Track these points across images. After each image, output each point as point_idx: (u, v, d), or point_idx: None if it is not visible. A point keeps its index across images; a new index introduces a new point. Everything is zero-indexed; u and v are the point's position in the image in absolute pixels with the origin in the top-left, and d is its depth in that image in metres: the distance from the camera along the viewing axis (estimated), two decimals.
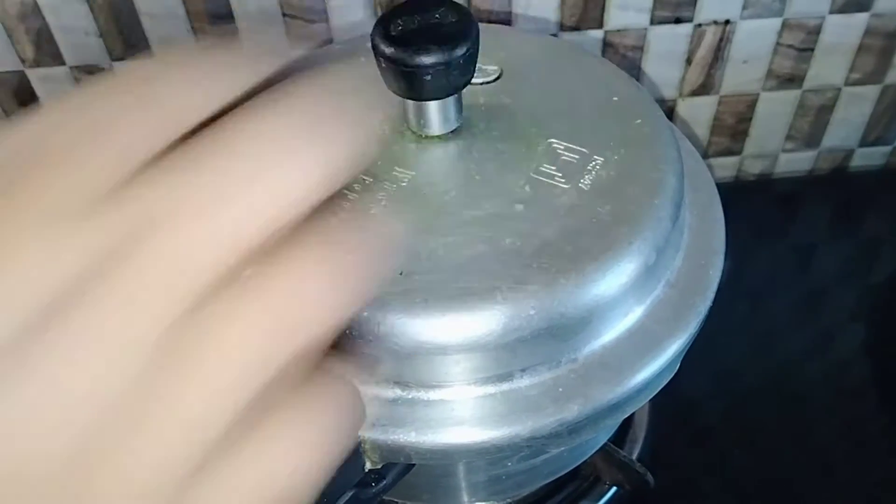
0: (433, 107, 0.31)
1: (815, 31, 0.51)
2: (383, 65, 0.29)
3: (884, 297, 0.53)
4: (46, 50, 0.47)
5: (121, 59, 0.48)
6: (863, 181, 0.61)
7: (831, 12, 0.50)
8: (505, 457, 0.30)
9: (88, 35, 0.47)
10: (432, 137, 0.32)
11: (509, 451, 0.28)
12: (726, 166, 0.59)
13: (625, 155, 0.32)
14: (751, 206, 0.59)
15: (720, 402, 0.47)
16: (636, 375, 0.29)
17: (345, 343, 0.27)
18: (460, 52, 0.28)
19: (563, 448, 0.33)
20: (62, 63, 0.48)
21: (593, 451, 0.39)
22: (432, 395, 0.28)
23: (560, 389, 0.28)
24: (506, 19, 0.48)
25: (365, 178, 0.30)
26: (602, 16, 0.49)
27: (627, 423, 0.44)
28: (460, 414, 0.28)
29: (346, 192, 0.28)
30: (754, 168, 0.60)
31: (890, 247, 0.56)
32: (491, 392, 0.28)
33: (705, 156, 0.58)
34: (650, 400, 0.45)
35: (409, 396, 0.28)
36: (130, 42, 0.47)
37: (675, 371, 0.32)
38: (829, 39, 0.51)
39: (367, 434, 0.27)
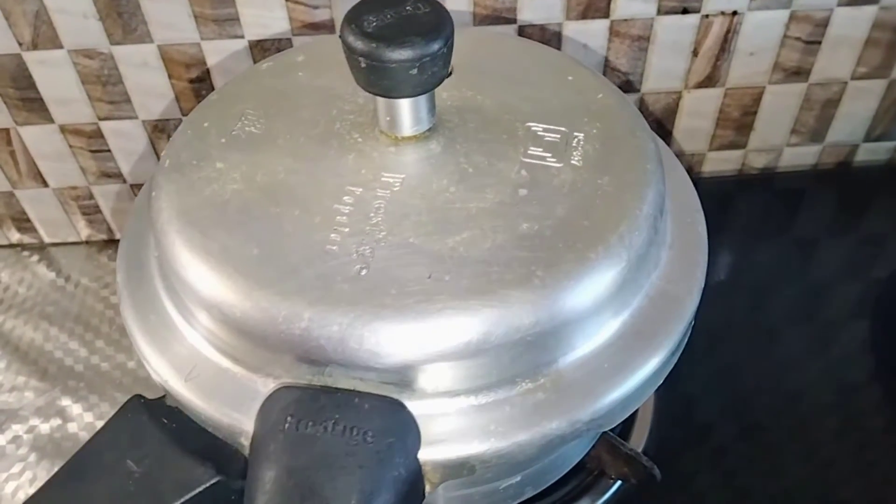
0: (408, 105, 0.30)
1: (823, 24, 0.50)
2: (357, 62, 0.28)
3: (887, 293, 0.53)
4: (44, 33, 0.46)
5: (120, 43, 0.47)
6: (867, 176, 0.60)
7: (839, 5, 0.50)
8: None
9: (87, 18, 0.46)
10: (409, 138, 0.31)
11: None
12: (730, 160, 0.59)
13: (601, 127, 0.32)
14: (754, 200, 0.59)
15: (723, 397, 0.47)
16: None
17: (397, 364, 0.26)
18: (438, 45, 0.27)
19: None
20: (60, 46, 0.47)
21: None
22: (483, 398, 0.27)
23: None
24: (511, 5, 0.47)
25: (353, 188, 0.30)
26: (608, 5, 0.48)
27: (632, 417, 0.44)
28: (517, 413, 0.27)
29: (338, 206, 0.28)
30: (758, 162, 0.59)
31: (893, 243, 0.56)
32: (542, 383, 0.28)
33: (709, 149, 0.58)
34: (655, 393, 0.45)
35: (465, 405, 0.27)
36: (130, 26, 0.46)
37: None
38: (837, 32, 0.51)
39: (428, 455, 0.27)
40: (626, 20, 0.49)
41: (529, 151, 0.31)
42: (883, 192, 0.59)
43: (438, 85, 0.29)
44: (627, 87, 0.53)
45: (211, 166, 0.31)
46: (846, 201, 0.59)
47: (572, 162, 0.30)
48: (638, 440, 0.43)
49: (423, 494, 0.27)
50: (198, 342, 0.30)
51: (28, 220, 0.57)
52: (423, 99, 0.30)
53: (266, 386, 0.28)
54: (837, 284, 0.53)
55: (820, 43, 0.52)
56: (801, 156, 0.59)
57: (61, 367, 0.51)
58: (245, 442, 0.27)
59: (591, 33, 0.50)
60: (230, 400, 0.28)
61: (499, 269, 0.27)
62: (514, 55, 0.37)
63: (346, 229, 0.28)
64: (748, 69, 0.53)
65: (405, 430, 0.26)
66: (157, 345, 0.31)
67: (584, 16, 0.48)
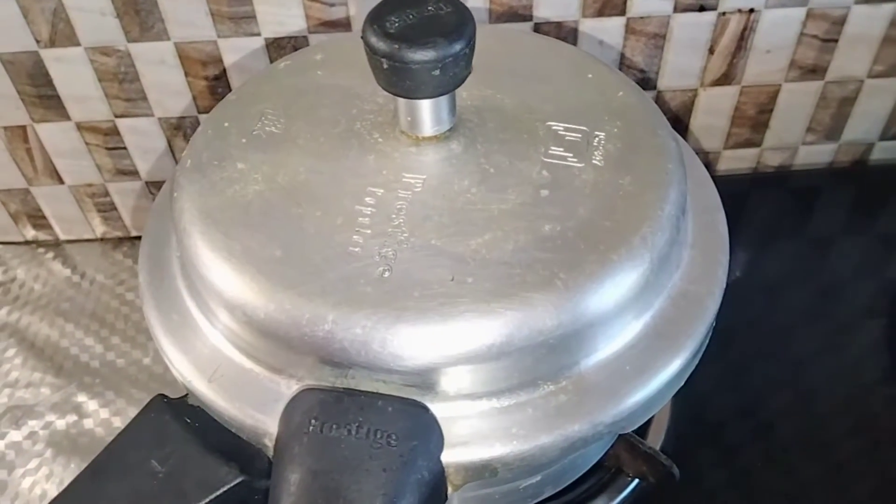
0: (430, 106, 0.30)
1: (840, 22, 0.50)
2: (378, 63, 0.27)
3: None
4: (62, 30, 0.46)
5: (137, 41, 0.47)
6: (882, 175, 0.60)
7: (856, 3, 0.49)
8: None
9: (105, 16, 0.46)
10: (429, 138, 0.31)
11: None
12: (746, 158, 0.59)
13: (622, 126, 0.32)
14: (769, 198, 0.59)
15: (739, 396, 0.47)
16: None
17: (421, 367, 0.26)
18: (460, 45, 0.27)
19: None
20: (77, 44, 0.47)
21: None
22: (505, 401, 0.27)
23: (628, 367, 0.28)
24: (527, 2, 0.47)
25: (374, 189, 0.30)
26: (625, 2, 0.48)
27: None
28: (539, 415, 0.27)
29: (359, 207, 0.28)
30: (774, 160, 0.59)
31: None
32: (564, 385, 0.28)
33: (724, 147, 0.58)
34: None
35: (487, 407, 0.27)
36: (147, 24, 0.46)
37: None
38: (854, 30, 0.51)
39: (451, 457, 0.27)
40: (642, 17, 0.49)
41: (550, 151, 0.31)
42: None
43: (460, 85, 0.29)
44: (643, 84, 0.53)
45: (232, 166, 0.31)
46: (861, 200, 0.58)
47: (594, 161, 0.30)
48: (655, 439, 0.43)
49: (446, 496, 0.27)
50: (220, 342, 0.30)
51: (44, 217, 0.57)
52: (444, 99, 0.30)
53: (289, 387, 0.28)
54: (852, 283, 0.53)
55: (836, 41, 0.51)
56: (816, 154, 0.59)
57: (77, 364, 0.51)
58: (269, 443, 0.27)
59: (607, 30, 0.49)
60: (253, 401, 0.28)
61: (521, 272, 0.27)
62: (533, 53, 0.37)
63: (369, 231, 0.28)
64: (764, 67, 0.52)
65: (428, 432, 0.26)
66: (179, 345, 0.31)
67: (601, 13, 0.48)
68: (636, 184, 0.30)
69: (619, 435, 0.40)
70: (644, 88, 0.53)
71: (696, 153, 0.57)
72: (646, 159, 0.31)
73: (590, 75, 0.35)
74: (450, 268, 0.27)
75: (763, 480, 0.43)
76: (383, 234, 0.28)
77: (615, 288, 0.27)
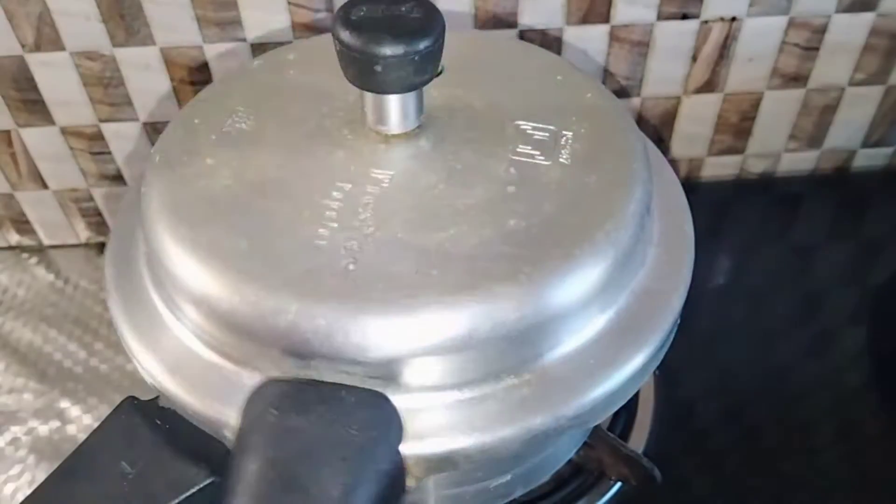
0: (398, 102, 0.30)
1: (821, 30, 0.51)
2: (347, 56, 0.28)
3: (884, 299, 0.53)
4: (47, 35, 0.46)
5: (122, 45, 0.47)
6: (864, 182, 0.61)
7: (837, 11, 0.50)
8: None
9: (90, 20, 0.46)
10: (398, 135, 0.31)
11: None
12: (729, 165, 0.59)
13: (590, 127, 0.32)
14: (753, 205, 0.59)
15: (722, 401, 0.47)
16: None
17: (384, 355, 0.26)
18: (428, 42, 0.28)
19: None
20: (62, 48, 0.47)
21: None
22: (467, 393, 0.27)
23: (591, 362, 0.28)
24: (512, 10, 0.48)
25: (342, 184, 0.30)
26: (609, 10, 0.48)
27: (632, 419, 0.44)
28: (502, 408, 0.27)
29: (326, 201, 0.29)
30: (757, 167, 0.60)
31: (891, 248, 0.56)
32: (528, 379, 0.28)
33: (708, 154, 0.58)
34: (654, 395, 0.46)
35: (450, 400, 0.27)
36: (133, 28, 0.46)
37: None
38: (835, 39, 0.51)
39: (411, 449, 0.26)
40: (626, 26, 0.49)
41: (518, 149, 0.31)
42: (880, 197, 0.59)
43: (428, 82, 0.30)
44: (627, 91, 0.53)
45: (201, 162, 0.31)
46: (844, 206, 0.59)
47: (560, 160, 0.31)
48: (638, 442, 0.43)
49: (404, 488, 0.27)
50: (185, 336, 0.30)
51: (27, 222, 0.57)
52: (412, 96, 0.30)
53: (252, 379, 0.28)
54: (835, 289, 0.53)
55: (818, 49, 0.52)
56: (799, 161, 0.59)
57: (60, 370, 0.51)
58: (230, 434, 0.27)
59: (591, 38, 0.50)
60: (216, 393, 0.28)
61: (485, 265, 0.27)
62: (505, 56, 0.37)
63: (335, 224, 0.28)
64: (747, 75, 0.53)
65: (388, 423, 0.26)
66: (144, 339, 0.31)
67: (585, 21, 0.49)
68: (602, 182, 0.30)
69: (601, 438, 0.40)
70: (628, 96, 0.53)
71: (680, 160, 0.58)
72: (612, 159, 0.31)
73: (559, 77, 0.35)
74: (414, 261, 0.27)
75: (746, 485, 0.43)
76: (349, 227, 0.28)
77: (578, 283, 0.27)
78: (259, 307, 0.27)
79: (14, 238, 0.58)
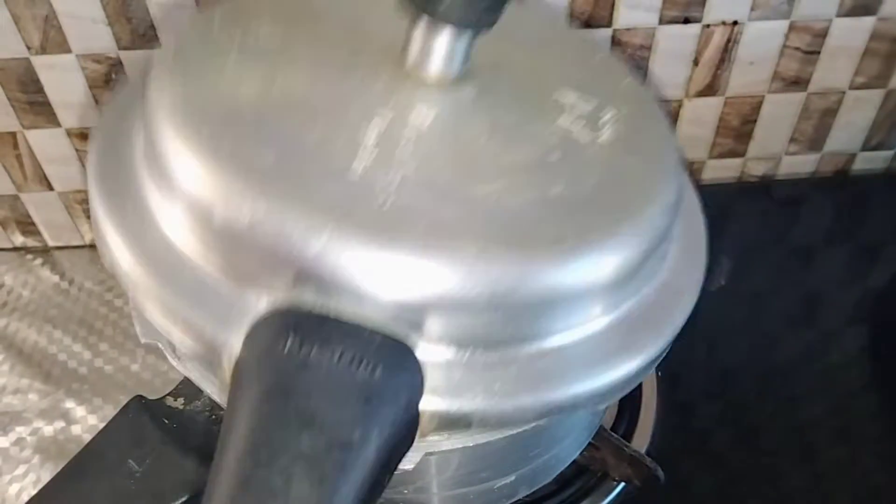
0: (449, 39, 0.28)
1: (822, 34, 0.51)
2: None
3: (885, 300, 0.53)
4: (53, 37, 0.47)
5: (128, 48, 0.47)
6: (865, 185, 0.61)
7: (838, 15, 0.50)
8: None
9: (96, 23, 0.46)
10: (441, 79, 0.29)
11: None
12: (730, 168, 0.59)
13: (630, 109, 0.32)
14: (753, 207, 0.60)
15: (723, 402, 0.47)
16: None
17: (406, 302, 0.24)
18: None
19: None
20: (69, 51, 0.47)
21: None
22: (491, 356, 0.26)
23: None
24: None
25: (378, 119, 0.27)
26: (611, 14, 0.49)
27: (635, 419, 0.44)
28: (522, 375, 0.26)
29: (362, 133, 0.26)
30: (757, 170, 0.60)
31: (891, 250, 0.56)
32: (551, 349, 0.27)
33: (709, 157, 0.59)
34: (658, 394, 0.46)
35: (473, 359, 0.26)
36: (139, 31, 0.47)
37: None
38: (836, 42, 0.52)
39: (429, 404, 0.25)
40: (628, 29, 0.50)
41: (561, 118, 0.30)
42: (880, 200, 0.59)
43: (492, 24, 0.28)
44: None
45: (221, 68, 0.28)
46: (844, 209, 0.59)
47: (602, 136, 0.30)
48: (640, 442, 0.43)
49: (413, 441, 0.25)
50: (180, 242, 0.26)
51: (32, 224, 0.57)
52: (465, 37, 0.28)
53: (259, 303, 0.25)
54: (835, 291, 0.54)
55: (819, 53, 0.52)
56: (799, 164, 0.60)
57: (65, 370, 0.51)
58: (227, 364, 0.25)
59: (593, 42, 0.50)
60: (213, 311, 0.25)
61: (531, 226, 0.26)
62: (547, 27, 0.37)
63: (372, 157, 0.26)
64: (748, 78, 0.53)
65: (412, 372, 0.25)
66: (127, 236, 0.27)
67: (588, 24, 0.49)
68: (643, 166, 0.30)
69: (605, 438, 0.40)
70: None
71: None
72: (652, 145, 0.31)
73: (599, 56, 0.35)
74: (457, 209, 0.25)
75: (747, 485, 0.43)
76: (387, 163, 0.26)
77: (617, 261, 0.27)
78: (289, 225, 0.24)
79: (19, 239, 0.59)
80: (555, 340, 0.27)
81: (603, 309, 0.28)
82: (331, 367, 0.23)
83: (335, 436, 0.23)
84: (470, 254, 0.24)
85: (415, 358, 0.25)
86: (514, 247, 0.25)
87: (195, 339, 0.25)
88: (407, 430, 0.25)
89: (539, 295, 0.26)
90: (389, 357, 0.24)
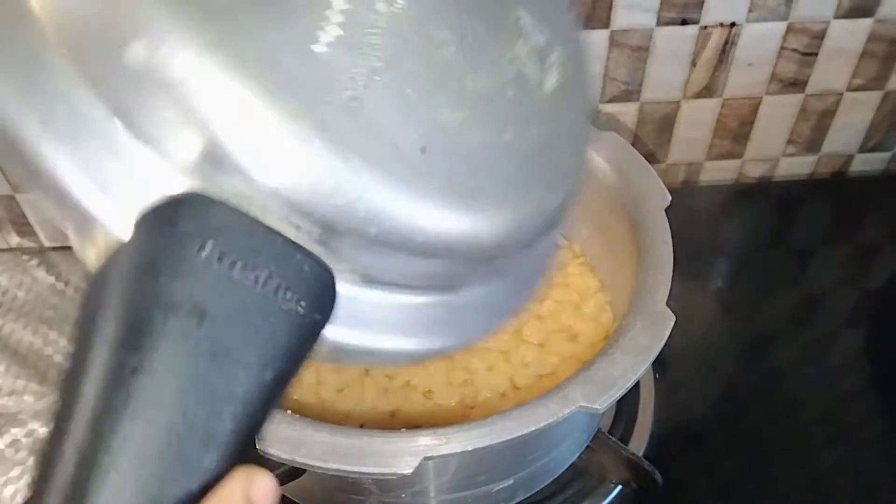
0: None
1: (820, 36, 0.51)
2: None
3: (882, 302, 0.53)
4: None
5: None
6: (862, 186, 0.61)
7: (836, 17, 0.50)
8: None
9: None
10: None
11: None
12: (727, 169, 0.59)
13: (570, 51, 0.31)
14: (751, 209, 0.60)
15: (721, 404, 0.47)
16: None
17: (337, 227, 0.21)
18: None
19: None
20: None
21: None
22: (420, 297, 0.25)
23: None
24: None
25: None
26: (609, 15, 0.49)
27: (632, 423, 0.44)
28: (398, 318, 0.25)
29: (327, 10, 0.21)
30: (755, 171, 0.60)
31: (888, 252, 0.56)
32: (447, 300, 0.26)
33: (706, 158, 0.59)
34: (656, 397, 0.46)
35: (392, 299, 0.24)
36: None
37: None
38: (833, 44, 0.52)
39: (333, 335, 0.22)
40: (625, 31, 0.50)
41: (518, 44, 0.29)
42: (877, 201, 0.60)
43: None
44: (626, 96, 0.53)
45: None
46: (841, 211, 0.59)
47: (548, 82, 0.30)
48: (638, 445, 0.43)
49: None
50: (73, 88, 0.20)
51: (28, 224, 0.57)
52: None
53: (166, 173, 0.20)
54: (832, 293, 0.54)
55: (816, 55, 0.52)
56: (797, 166, 0.60)
57: (60, 372, 0.51)
58: (102, 235, 0.20)
59: (591, 43, 0.50)
60: (97, 161, 0.20)
61: (483, 176, 0.25)
62: None
63: (340, 32, 0.23)
64: (746, 80, 0.53)
65: (331, 306, 0.22)
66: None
67: (585, 25, 0.49)
68: (578, 124, 0.30)
69: (603, 442, 0.40)
70: (628, 100, 0.54)
71: (679, 164, 0.59)
72: (582, 99, 0.31)
73: None
74: (422, 135, 0.23)
75: (744, 487, 0.43)
76: (356, 47, 0.23)
77: (544, 224, 0.27)
78: (219, 77, 0.19)
79: (15, 240, 0.58)
80: (471, 289, 0.27)
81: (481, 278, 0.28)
82: (255, 291, 0.20)
83: (244, 379, 0.20)
84: (426, 195, 0.22)
85: (335, 291, 0.22)
86: (466, 197, 0.23)
87: (63, 190, 0.20)
88: (306, 358, 0.22)
89: (474, 249, 0.24)
90: (315, 288, 0.21)
